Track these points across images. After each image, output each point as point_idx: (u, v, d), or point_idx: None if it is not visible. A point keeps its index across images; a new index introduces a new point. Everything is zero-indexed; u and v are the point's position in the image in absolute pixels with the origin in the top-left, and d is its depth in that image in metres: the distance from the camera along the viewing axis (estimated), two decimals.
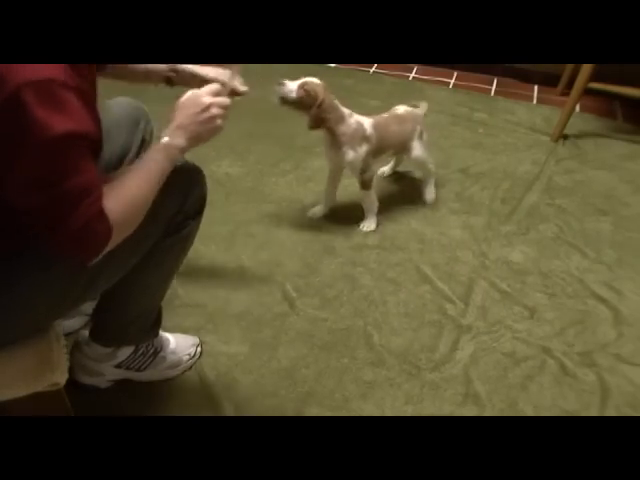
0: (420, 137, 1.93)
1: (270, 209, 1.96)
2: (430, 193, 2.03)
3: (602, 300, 1.67)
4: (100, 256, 0.95)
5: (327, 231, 1.88)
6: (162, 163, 1.04)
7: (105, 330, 1.31)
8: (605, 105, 2.65)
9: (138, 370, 1.37)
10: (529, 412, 1.37)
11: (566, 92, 2.50)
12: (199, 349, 1.46)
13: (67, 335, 1.16)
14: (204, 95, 1.09)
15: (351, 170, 1.83)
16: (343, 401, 1.38)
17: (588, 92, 2.34)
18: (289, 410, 1.35)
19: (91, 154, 0.91)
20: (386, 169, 2.15)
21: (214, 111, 1.08)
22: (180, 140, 1.06)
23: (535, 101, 2.74)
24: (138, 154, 1.29)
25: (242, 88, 1.28)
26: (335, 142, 1.76)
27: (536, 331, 1.57)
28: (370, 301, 1.64)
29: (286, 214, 1.95)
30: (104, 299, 1.28)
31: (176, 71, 1.28)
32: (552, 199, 2.07)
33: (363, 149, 1.77)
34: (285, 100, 1.66)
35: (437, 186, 2.07)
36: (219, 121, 1.10)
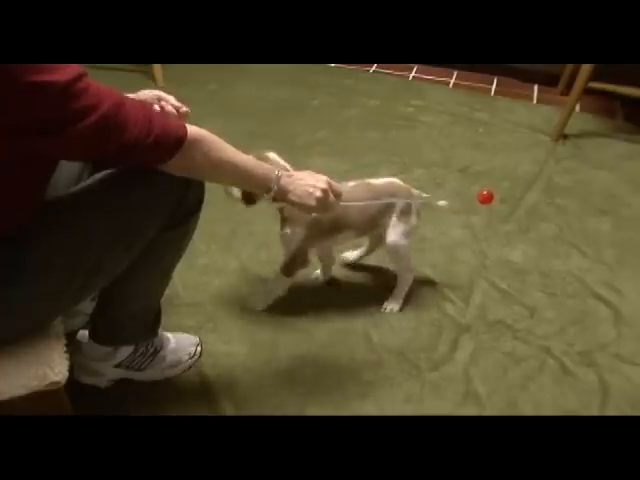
0: (402, 218, 1.51)
1: (270, 209, 1.95)
2: (393, 302, 1.61)
3: (602, 300, 1.67)
4: (175, 158, 0.98)
5: None
6: (258, 171, 1.11)
7: (104, 329, 1.31)
8: (605, 105, 2.65)
9: (138, 370, 1.37)
10: (529, 412, 1.37)
11: (566, 92, 2.50)
12: (199, 349, 1.45)
13: (67, 335, 1.15)
14: (326, 181, 1.17)
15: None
16: (343, 401, 1.38)
17: (588, 92, 2.34)
18: (289, 410, 1.35)
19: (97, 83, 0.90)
20: (351, 254, 1.75)
21: (319, 194, 1.16)
22: (281, 184, 1.13)
23: (535, 101, 2.74)
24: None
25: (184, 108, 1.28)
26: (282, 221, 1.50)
27: (536, 331, 1.57)
28: (369, 300, 1.64)
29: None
30: (103, 298, 1.28)
31: None
32: (552, 199, 2.08)
33: (300, 231, 1.47)
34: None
35: (437, 185, 2.07)
36: (312, 202, 1.16)
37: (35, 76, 0.79)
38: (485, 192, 1.34)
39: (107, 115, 0.88)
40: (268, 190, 1.13)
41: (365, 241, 1.71)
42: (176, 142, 0.97)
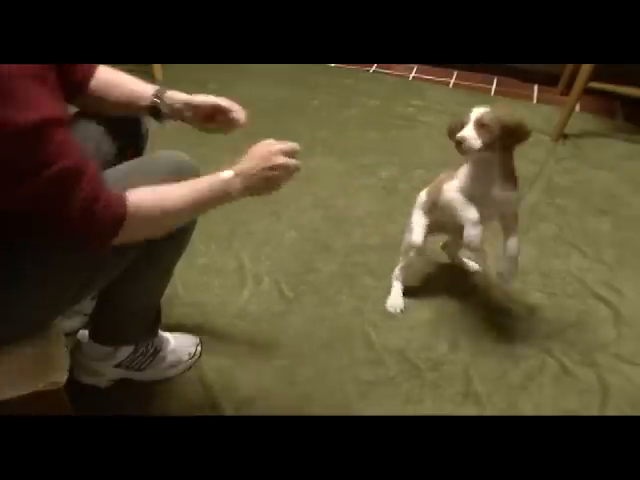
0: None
1: (270, 208, 1.96)
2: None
3: (602, 300, 1.67)
4: (110, 244, 0.95)
5: (327, 230, 1.89)
6: (209, 194, 1.04)
7: (104, 329, 1.31)
8: (605, 105, 2.65)
9: (138, 370, 1.37)
10: (529, 412, 1.37)
11: (566, 92, 2.50)
12: (199, 348, 1.46)
13: (67, 335, 1.16)
14: (278, 153, 1.07)
15: (507, 213, 1.45)
16: (343, 400, 1.38)
17: (588, 92, 2.34)
18: (289, 410, 1.35)
19: (67, 136, 0.87)
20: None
21: (281, 173, 1.07)
22: (238, 187, 1.06)
23: (535, 101, 2.74)
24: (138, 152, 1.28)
25: (243, 119, 1.24)
26: (509, 181, 1.39)
27: (536, 331, 1.57)
28: (370, 300, 1.64)
29: (285, 213, 1.95)
30: (103, 298, 1.28)
31: (161, 97, 1.21)
32: (552, 199, 2.07)
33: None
34: (473, 151, 1.32)
35: None
36: (280, 183, 1.09)
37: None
38: None
39: (57, 176, 0.85)
40: (230, 200, 1.07)
41: None
42: (113, 228, 0.94)
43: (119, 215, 0.94)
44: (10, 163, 0.82)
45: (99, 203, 0.91)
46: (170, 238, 1.16)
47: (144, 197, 0.97)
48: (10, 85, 0.79)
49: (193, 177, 1.11)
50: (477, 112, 1.32)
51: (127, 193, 0.95)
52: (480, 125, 1.31)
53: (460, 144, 1.31)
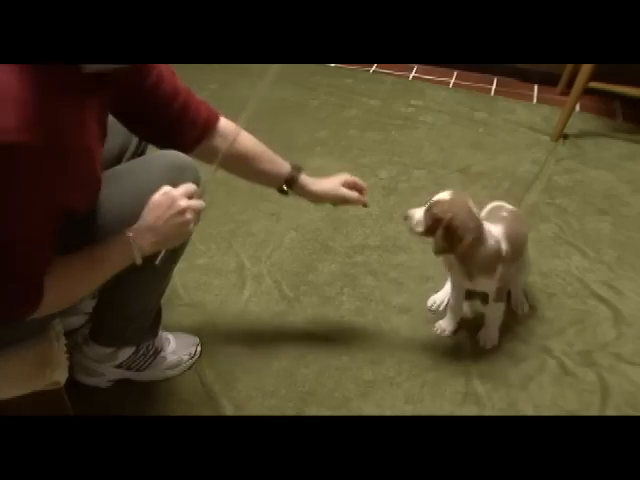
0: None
1: (270, 208, 1.96)
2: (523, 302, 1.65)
3: (602, 300, 1.67)
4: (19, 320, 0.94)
5: (327, 230, 1.89)
6: (117, 259, 1.02)
7: (105, 331, 1.31)
8: (605, 105, 2.64)
9: (138, 370, 1.37)
10: (529, 412, 1.37)
11: (566, 92, 2.49)
12: (199, 349, 1.46)
13: (67, 334, 1.15)
14: (179, 198, 1.04)
15: (487, 289, 1.49)
16: (343, 400, 1.38)
17: (588, 92, 2.34)
18: (289, 410, 1.35)
19: (54, 221, 0.88)
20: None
21: (187, 216, 1.04)
22: (146, 242, 1.03)
23: (535, 101, 2.73)
24: (136, 151, 1.28)
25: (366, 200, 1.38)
26: (466, 269, 1.39)
27: (536, 331, 1.57)
28: (370, 300, 1.64)
29: (286, 213, 1.95)
30: (103, 300, 1.27)
31: (291, 186, 1.31)
32: (552, 199, 2.07)
33: (498, 273, 1.39)
34: (415, 233, 1.37)
35: (437, 186, 2.06)
36: (191, 226, 1.06)
37: None
38: None
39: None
40: (133, 260, 1.03)
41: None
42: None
43: (36, 302, 0.92)
44: None
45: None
46: None
47: (52, 286, 0.93)
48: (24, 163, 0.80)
49: (193, 176, 1.12)
50: (436, 198, 1.33)
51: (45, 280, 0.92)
52: (428, 211, 1.33)
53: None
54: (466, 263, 1.36)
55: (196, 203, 1.06)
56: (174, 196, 1.03)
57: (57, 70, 0.83)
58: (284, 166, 1.31)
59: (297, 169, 1.31)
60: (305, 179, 1.32)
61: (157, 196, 1.04)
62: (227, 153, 1.16)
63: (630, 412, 1.37)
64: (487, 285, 1.44)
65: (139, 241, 1.02)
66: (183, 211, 1.03)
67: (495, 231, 1.39)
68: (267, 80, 1.18)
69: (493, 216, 1.48)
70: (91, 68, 0.89)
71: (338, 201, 1.36)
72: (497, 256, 1.37)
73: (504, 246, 1.38)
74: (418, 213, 1.35)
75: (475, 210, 1.35)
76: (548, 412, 1.37)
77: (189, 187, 1.07)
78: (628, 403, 1.39)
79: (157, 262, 1.09)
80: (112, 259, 1.02)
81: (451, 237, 1.30)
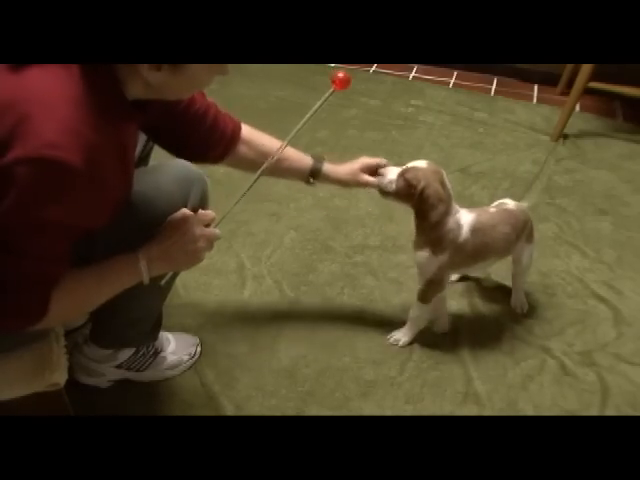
0: (529, 239, 1.53)
1: (270, 208, 1.96)
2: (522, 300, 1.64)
3: (602, 300, 1.67)
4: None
5: (327, 230, 1.89)
6: (125, 279, 1.01)
7: (105, 333, 1.31)
8: (605, 105, 2.65)
9: (138, 370, 1.37)
10: (529, 412, 1.37)
11: (566, 92, 2.50)
12: (199, 349, 1.46)
13: (67, 333, 1.15)
14: (196, 225, 1.03)
15: (418, 274, 1.45)
16: (343, 400, 1.38)
17: (588, 92, 2.34)
18: (289, 410, 1.35)
19: (72, 240, 0.88)
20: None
21: (201, 244, 1.04)
22: (155, 265, 1.02)
23: (535, 101, 2.74)
24: (141, 155, 1.28)
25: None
26: (419, 240, 1.39)
27: (536, 331, 1.57)
28: (370, 300, 1.64)
29: (286, 213, 1.95)
30: (104, 303, 1.27)
31: (316, 177, 1.37)
32: (552, 199, 2.07)
33: (444, 258, 1.37)
34: (384, 192, 1.38)
35: None
36: (203, 254, 1.06)
37: None
38: (341, 75, 1.17)
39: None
40: (141, 279, 1.01)
41: None
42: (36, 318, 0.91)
43: (40, 315, 0.91)
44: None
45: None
46: None
47: (58, 300, 0.92)
48: (61, 180, 0.79)
49: (201, 188, 1.14)
50: (412, 164, 1.36)
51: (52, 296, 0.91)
52: (402, 175, 1.35)
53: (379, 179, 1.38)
54: (422, 227, 1.37)
55: (211, 232, 1.06)
56: (191, 222, 1.03)
57: (103, 95, 0.84)
58: (306, 160, 1.36)
59: (319, 160, 1.38)
60: (328, 169, 1.38)
61: (174, 219, 1.03)
62: (265, 166, 1.19)
63: (630, 412, 1.37)
64: (423, 266, 1.40)
65: (149, 264, 1.01)
66: (197, 239, 1.03)
67: (464, 217, 1.38)
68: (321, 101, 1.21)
69: (484, 209, 1.48)
70: (136, 94, 0.90)
71: (360, 187, 1.42)
72: (451, 239, 1.35)
73: (464, 233, 1.36)
74: (392, 173, 1.37)
75: (448, 183, 1.36)
76: (548, 412, 1.37)
77: (208, 215, 1.07)
78: (628, 403, 1.39)
79: (163, 283, 1.10)
80: (121, 279, 1.01)
81: (421, 204, 1.33)
